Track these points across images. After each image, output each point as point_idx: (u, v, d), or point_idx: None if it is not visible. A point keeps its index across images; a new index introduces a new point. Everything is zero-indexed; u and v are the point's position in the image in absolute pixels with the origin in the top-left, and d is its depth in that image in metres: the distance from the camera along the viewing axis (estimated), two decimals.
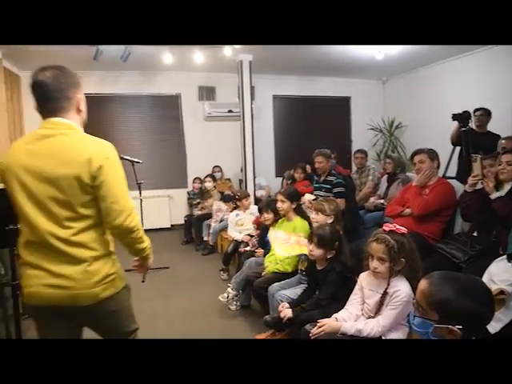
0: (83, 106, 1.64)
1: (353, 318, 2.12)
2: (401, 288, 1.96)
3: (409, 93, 7.14)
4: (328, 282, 2.45)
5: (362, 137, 7.57)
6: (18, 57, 5.48)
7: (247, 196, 4.67)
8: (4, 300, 3.07)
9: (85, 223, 1.53)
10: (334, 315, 2.14)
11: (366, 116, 7.59)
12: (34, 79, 1.55)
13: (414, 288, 1.77)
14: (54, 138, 1.52)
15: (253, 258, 3.59)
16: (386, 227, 2.05)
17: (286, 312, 2.45)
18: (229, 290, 3.44)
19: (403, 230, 2.04)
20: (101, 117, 6.33)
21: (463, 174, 3.59)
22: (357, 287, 2.20)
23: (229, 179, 6.86)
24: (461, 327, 1.14)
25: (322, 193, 4.12)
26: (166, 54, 5.49)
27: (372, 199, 4.84)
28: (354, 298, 2.20)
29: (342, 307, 2.20)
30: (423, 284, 1.25)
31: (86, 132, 1.61)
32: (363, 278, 2.17)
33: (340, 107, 7.88)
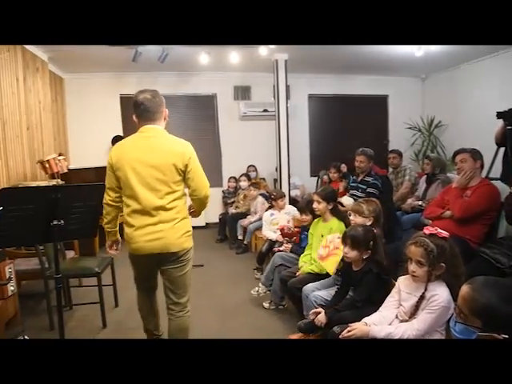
0: (167, 117, 2.37)
1: (385, 322, 2.07)
2: (439, 293, 1.89)
3: (449, 90, 6.90)
4: (364, 284, 2.41)
5: (399, 136, 7.39)
6: (61, 60, 5.73)
7: (283, 196, 4.65)
8: (48, 292, 3.21)
9: (175, 195, 2.24)
10: (364, 319, 2.10)
11: (404, 115, 7.40)
12: (137, 98, 2.24)
13: (455, 294, 1.71)
14: (154, 138, 2.24)
15: (279, 253, 3.64)
16: (427, 230, 1.98)
17: (321, 319, 2.42)
18: (260, 284, 3.64)
19: (445, 234, 1.97)
20: None
21: (509, 175, 3.43)
22: (394, 290, 2.15)
23: (263, 179, 6.88)
24: (507, 336, 1.09)
25: (358, 193, 4.05)
26: (202, 55, 5.57)
27: (409, 200, 4.72)
28: (390, 300, 2.15)
29: (377, 310, 2.16)
30: (465, 289, 1.21)
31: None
32: (401, 281, 2.12)
33: (377, 106, 7.72)
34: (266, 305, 3.51)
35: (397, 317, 2.08)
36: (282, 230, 3.98)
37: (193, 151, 2.29)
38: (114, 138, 6.40)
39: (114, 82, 6.68)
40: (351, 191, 4.24)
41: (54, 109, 5.84)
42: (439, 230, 1.97)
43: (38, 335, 3.02)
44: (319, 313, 2.46)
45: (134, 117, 2.29)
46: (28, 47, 4.74)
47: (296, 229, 3.95)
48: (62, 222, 2.00)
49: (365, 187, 4.03)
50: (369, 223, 2.72)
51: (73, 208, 2.08)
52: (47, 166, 4.51)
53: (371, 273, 2.40)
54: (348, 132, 7.37)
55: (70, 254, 3.99)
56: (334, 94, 7.46)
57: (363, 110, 7.58)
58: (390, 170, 5.53)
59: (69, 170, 5.08)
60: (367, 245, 2.45)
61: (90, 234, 2.34)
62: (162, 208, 2.19)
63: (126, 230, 2.28)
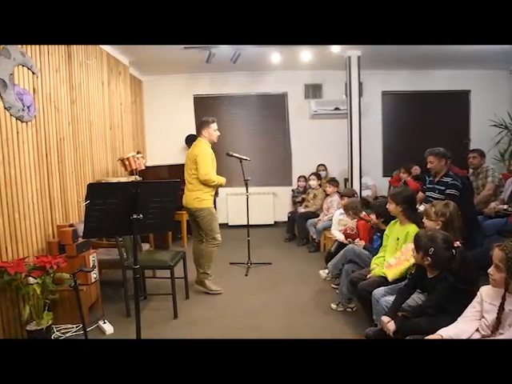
0: (208, 135, 3.97)
1: (464, 336, 1.93)
2: None
3: None
4: (437, 290, 2.28)
5: (482, 134, 6.84)
6: (141, 64, 6.08)
7: (350, 195, 4.52)
8: (125, 281, 3.42)
9: (194, 176, 3.87)
10: (440, 331, 1.97)
11: (488, 111, 6.85)
12: (202, 119, 4.04)
13: None
14: (194, 145, 3.99)
15: (352, 245, 3.58)
16: None
17: (390, 328, 2.30)
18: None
19: None
20: (212, 116, 6.71)
21: None
22: (475, 300, 1.99)
23: (334, 178, 6.75)
24: None
25: (435, 195, 3.83)
26: (274, 54, 5.59)
27: (493, 204, 4.36)
28: (471, 311, 2.00)
29: (451, 320, 2.03)
30: None
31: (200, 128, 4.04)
32: (484, 290, 1.97)
33: (457, 102, 7.23)
34: (333, 306, 3.45)
35: (477, 330, 1.93)
36: (345, 230, 3.97)
37: (200, 153, 3.84)
38: (187, 136, 6.65)
39: (188, 82, 6.96)
40: (427, 193, 4.02)
41: (133, 110, 6.21)
42: None
43: (116, 321, 3.24)
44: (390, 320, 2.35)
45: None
46: (112, 53, 5.08)
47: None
48: (141, 216, 2.11)
49: (443, 188, 3.79)
50: (438, 227, 2.55)
51: (150, 203, 2.19)
52: (127, 163, 4.81)
53: (446, 281, 2.25)
54: (424, 130, 6.99)
55: (146, 246, 4.22)
56: (410, 91, 7.13)
57: (441, 107, 7.15)
58: (471, 171, 5.16)
59: (146, 167, 5.37)
60: None
61: (165, 228, 2.46)
62: (189, 182, 3.92)
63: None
